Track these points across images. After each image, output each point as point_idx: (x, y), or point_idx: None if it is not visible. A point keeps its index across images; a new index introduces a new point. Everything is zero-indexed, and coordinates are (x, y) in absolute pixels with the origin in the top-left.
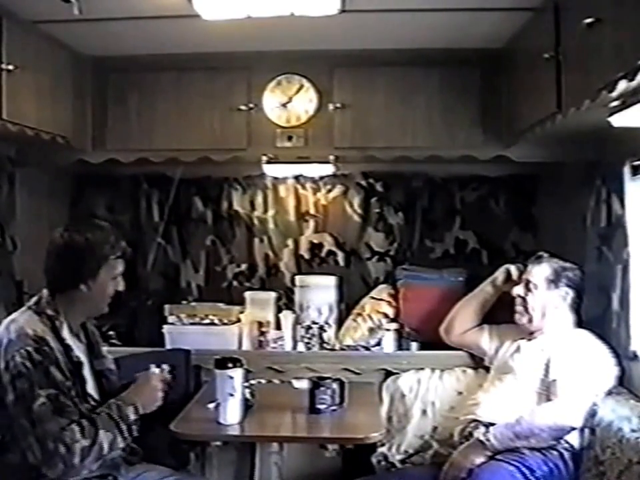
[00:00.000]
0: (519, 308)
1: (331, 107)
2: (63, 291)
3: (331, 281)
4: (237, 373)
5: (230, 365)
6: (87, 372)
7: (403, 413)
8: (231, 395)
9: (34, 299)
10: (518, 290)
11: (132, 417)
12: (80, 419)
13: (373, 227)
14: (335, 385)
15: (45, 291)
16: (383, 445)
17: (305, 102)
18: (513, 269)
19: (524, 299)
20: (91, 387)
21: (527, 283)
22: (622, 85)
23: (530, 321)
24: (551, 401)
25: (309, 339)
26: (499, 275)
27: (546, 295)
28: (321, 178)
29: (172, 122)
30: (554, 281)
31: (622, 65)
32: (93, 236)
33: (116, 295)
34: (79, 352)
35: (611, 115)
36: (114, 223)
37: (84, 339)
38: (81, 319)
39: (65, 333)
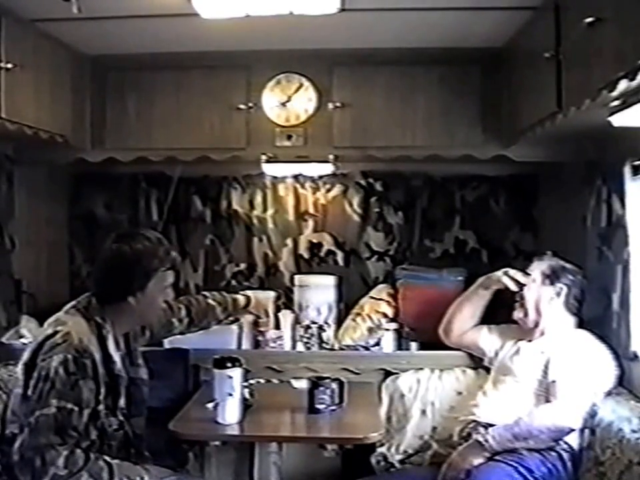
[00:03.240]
0: (516, 304)
1: (330, 106)
2: (112, 302)
3: (330, 280)
4: (236, 373)
5: (229, 365)
6: (122, 386)
7: (402, 413)
8: (230, 394)
9: (82, 301)
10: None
11: None
12: (75, 448)
13: (373, 227)
14: (334, 385)
15: (93, 297)
16: (382, 445)
17: (304, 101)
18: (510, 284)
19: (521, 293)
20: (122, 400)
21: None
22: (622, 85)
23: (525, 314)
24: (549, 402)
25: (308, 338)
26: (488, 283)
27: (540, 289)
28: (320, 177)
29: (171, 121)
30: (549, 277)
31: (622, 64)
32: (141, 248)
33: None
34: (120, 364)
35: (611, 114)
36: (112, 222)
37: (124, 347)
38: (126, 328)
39: (110, 344)
